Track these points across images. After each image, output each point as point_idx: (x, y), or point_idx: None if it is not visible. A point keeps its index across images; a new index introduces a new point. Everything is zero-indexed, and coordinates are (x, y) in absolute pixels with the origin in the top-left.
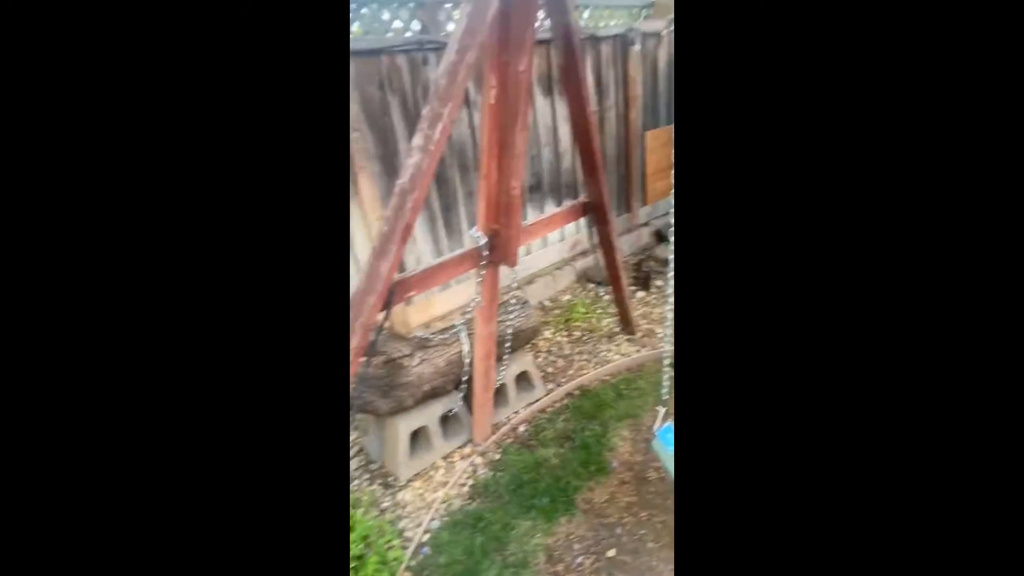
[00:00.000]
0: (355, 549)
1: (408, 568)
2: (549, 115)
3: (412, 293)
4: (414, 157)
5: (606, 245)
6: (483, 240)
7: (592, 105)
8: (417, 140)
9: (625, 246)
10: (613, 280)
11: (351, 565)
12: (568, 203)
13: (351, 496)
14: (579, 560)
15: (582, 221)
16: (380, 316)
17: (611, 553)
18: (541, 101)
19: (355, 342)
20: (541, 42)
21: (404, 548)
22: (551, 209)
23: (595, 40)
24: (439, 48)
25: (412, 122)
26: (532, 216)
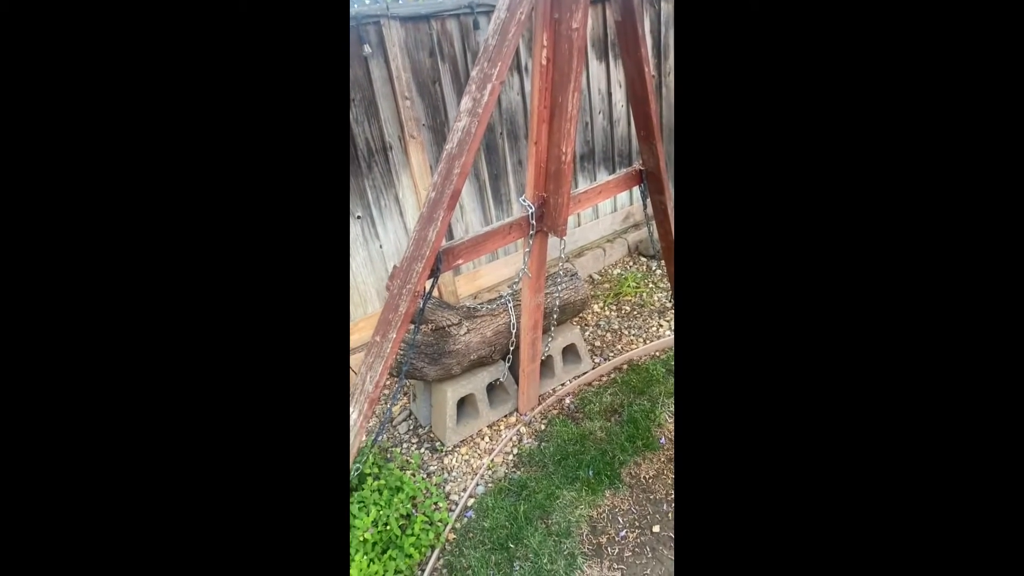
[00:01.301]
0: (403, 509)
1: (453, 530)
2: (604, 80)
3: (460, 261)
4: (462, 121)
5: (661, 215)
6: (532, 208)
7: (650, 68)
8: (465, 103)
9: None
10: (667, 252)
11: (399, 524)
12: (622, 171)
13: (400, 458)
14: (623, 533)
15: (636, 191)
16: (427, 283)
17: (656, 528)
18: (595, 65)
19: (403, 308)
20: (596, 1)
21: (450, 511)
22: (604, 178)
23: None
24: (490, 11)
25: (462, 89)
26: (584, 186)
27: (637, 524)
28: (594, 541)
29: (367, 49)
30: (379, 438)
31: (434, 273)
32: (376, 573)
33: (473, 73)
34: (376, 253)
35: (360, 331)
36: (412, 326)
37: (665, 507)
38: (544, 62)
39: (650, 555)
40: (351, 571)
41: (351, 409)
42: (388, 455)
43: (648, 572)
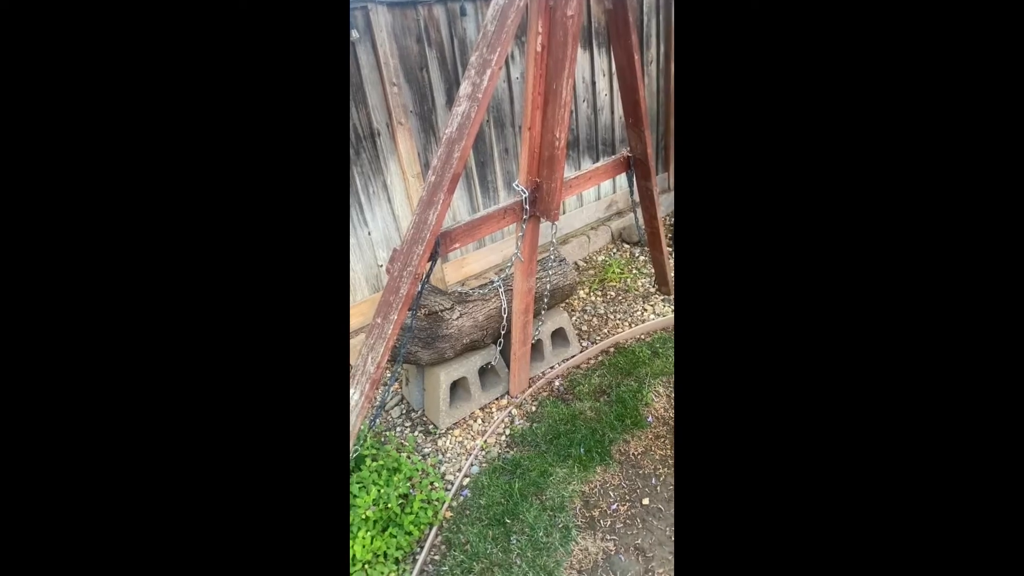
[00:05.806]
0: (402, 488)
1: (450, 508)
2: (587, 68)
3: (456, 245)
4: (461, 105)
5: (647, 201)
6: (525, 193)
7: (639, 56)
8: (464, 88)
9: (663, 205)
10: (652, 237)
11: (399, 503)
12: (611, 158)
13: (395, 440)
14: (614, 506)
15: (620, 179)
16: (427, 266)
17: (646, 501)
18: (579, 54)
19: (404, 290)
20: None
21: (446, 490)
22: (588, 166)
23: None
24: None
25: (449, 76)
26: (569, 174)
27: (628, 498)
28: (587, 514)
29: (355, 34)
30: (375, 421)
31: (433, 256)
32: (379, 549)
33: (472, 58)
34: (364, 240)
35: (350, 318)
36: (408, 311)
37: (654, 481)
38: (539, 49)
39: (640, 526)
40: (355, 547)
41: (352, 391)
42: (383, 439)
43: (639, 542)
